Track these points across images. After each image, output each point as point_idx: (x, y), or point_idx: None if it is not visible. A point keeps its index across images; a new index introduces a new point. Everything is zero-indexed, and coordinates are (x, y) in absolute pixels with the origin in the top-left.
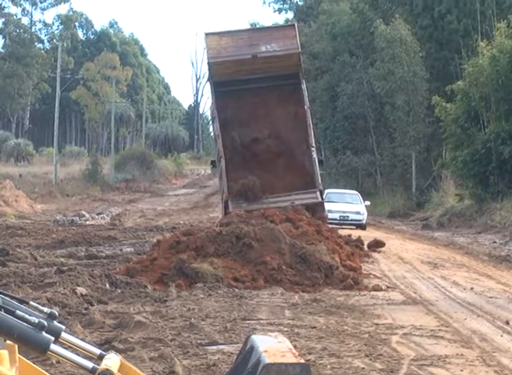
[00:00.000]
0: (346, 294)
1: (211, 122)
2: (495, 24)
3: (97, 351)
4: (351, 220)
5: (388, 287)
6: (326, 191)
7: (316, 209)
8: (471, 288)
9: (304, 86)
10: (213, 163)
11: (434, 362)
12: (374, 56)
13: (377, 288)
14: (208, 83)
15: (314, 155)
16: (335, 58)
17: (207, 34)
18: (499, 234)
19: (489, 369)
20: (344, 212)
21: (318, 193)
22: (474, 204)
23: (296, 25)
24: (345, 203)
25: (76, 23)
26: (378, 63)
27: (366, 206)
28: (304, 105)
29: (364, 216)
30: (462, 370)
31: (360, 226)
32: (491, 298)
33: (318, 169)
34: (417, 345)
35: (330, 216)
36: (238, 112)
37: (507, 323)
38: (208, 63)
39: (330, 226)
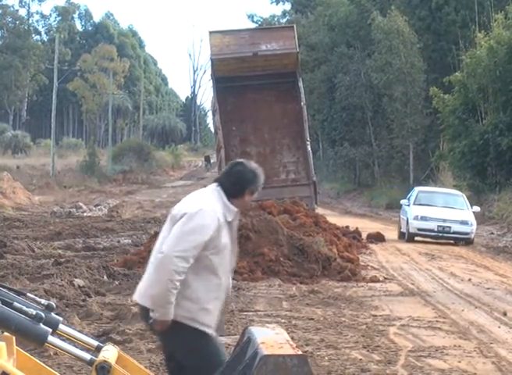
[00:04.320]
0: (344, 285)
1: (211, 114)
2: (492, 15)
3: (95, 342)
4: (454, 233)
5: (385, 278)
6: (417, 189)
7: (310, 201)
8: (469, 279)
9: (300, 84)
10: (206, 159)
11: (431, 354)
12: (371, 48)
13: (374, 280)
14: (210, 77)
15: (309, 148)
16: (332, 50)
17: (210, 33)
18: (496, 226)
19: (487, 361)
20: (445, 220)
21: (312, 185)
22: (471, 195)
23: (295, 27)
24: (445, 208)
25: (75, 15)
26: (376, 55)
27: (474, 213)
28: (300, 101)
29: (473, 228)
30: (460, 361)
31: (467, 242)
32: (488, 289)
33: (312, 161)
34: (414, 337)
35: (423, 225)
36: (238, 107)
37: (505, 314)
38: (211, 60)
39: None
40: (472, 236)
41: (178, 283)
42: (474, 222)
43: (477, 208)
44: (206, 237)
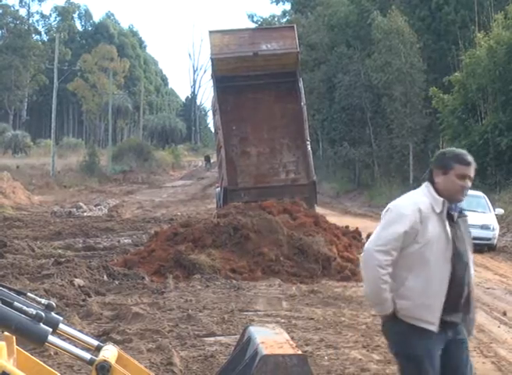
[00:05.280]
0: (344, 285)
1: (211, 114)
2: (492, 15)
3: (95, 342)
4: (475, 239)
5: None
6: None
7: (310, 201)
8: None
9: (301, 84)
10: (206, 158)
11: None
12: (371, 47)
13: None
14: (210, 77)
15: (309, 148)
16: (332, 50)
17: (211, 32)
18: None
19: (486, 360)
20: None
21: (312, 185)
22: None
23: (295, 26)
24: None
25: (75, 15)
26: (376, 55)
27: (497, 216)
28: (300, 101)
29: (495, 233)
30: None
31: (490, 248)
32: (488, 289)
33: (312, 161)
34: None
35: None
36: (238, 107)
37: (504, 314)
38: (211, 59)
39: None
40: (495, 241)
41: (386, 278)
42: (497, 226)
43: (500, 211)
44: (404, 227)
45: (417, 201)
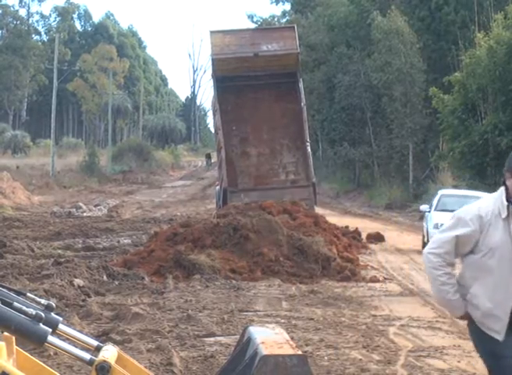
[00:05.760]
0: (344, 285)
1: (211, 114)
2: (492, 15)
3: (95, 342)
4: None
5: (385, 278)
6: (440, 193)
7: (310, 203)
8: None
9: (301, 84)
10: (207, 156)
11: (431, 354)
12: (371, 48)
13: (374, 280)
14: (210, 77)
15: (309, 149)
16: (332, 50)
17: (212, 32)
18: None
19: None
20: None
21: (311, 187)
22: None
23: (295, 27)
24: None
25: (75, 15)
26: (376, 55)
27: None
28: (300, 102)
29: None
30: (459, 361)
31: None
32: None
33: (311, 163)
34: (414, 336)
35: None
36: (238, 107)
37: None
38: (212, 59)
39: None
40: None
41: (443, 279)
42: None
43: None
44: (458, 232)
45: (481, 207)
